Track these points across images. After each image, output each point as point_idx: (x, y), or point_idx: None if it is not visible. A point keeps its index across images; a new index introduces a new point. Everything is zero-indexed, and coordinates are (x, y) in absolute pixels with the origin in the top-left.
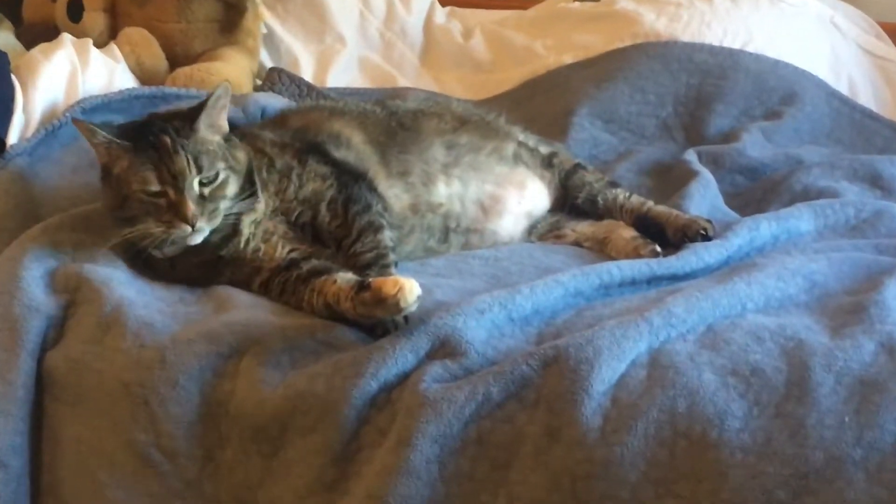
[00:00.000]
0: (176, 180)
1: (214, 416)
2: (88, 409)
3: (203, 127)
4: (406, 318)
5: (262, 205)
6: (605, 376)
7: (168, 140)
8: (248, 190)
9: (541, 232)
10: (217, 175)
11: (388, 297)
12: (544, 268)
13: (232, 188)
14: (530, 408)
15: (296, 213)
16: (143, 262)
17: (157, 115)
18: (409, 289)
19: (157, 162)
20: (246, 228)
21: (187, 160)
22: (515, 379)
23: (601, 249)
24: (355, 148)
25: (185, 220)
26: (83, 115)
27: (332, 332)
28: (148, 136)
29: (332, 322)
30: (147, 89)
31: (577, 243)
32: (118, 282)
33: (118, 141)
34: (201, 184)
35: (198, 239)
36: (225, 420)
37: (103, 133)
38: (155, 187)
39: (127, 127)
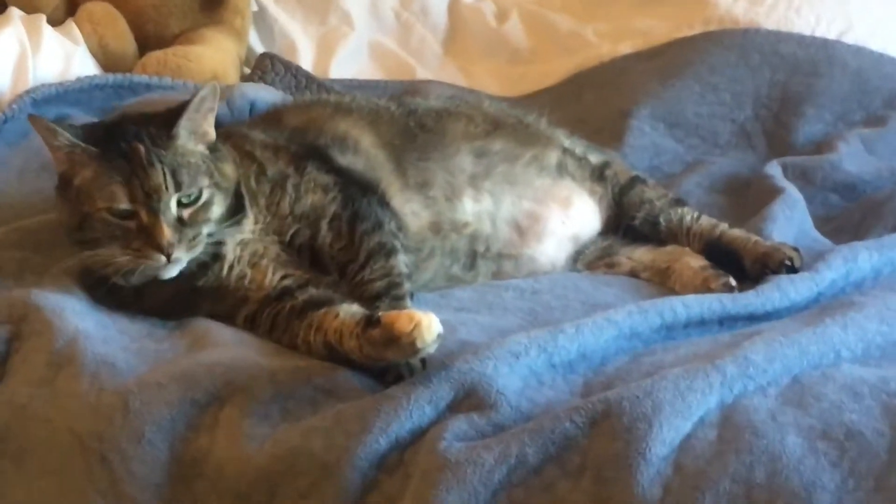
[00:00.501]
0: (150, 199)
1: (187, 478)
2: (35, 467)
3: (184, 134)
4: (423, 361)
5: (249, 221)
6: (666, 437)
7: (142, 149)
8: (237, 213)
9: (589, 259)
10: (200, 194)
11: (402, 335)
12: (593, 303)
13: (217, 210)
14: (574, 475)
15: (291, 232)
16: (105, 290)
17: (129, 115)
18: (428, 325)
19: (129, 175)
20: (230, 251)
21: (164, 175)
22: (556, 438)
23: (663, 282)
24: (364, 153)
25: (159, 249)
26: (33, 108)
27: (332, 378)
28: (118, 142)
29: (332, 365)
30: (111, 77)
31: (634, 274)
32: (73, 311)
33: (84, 145)
34: (180, 204)
35: (173, 272)
36: (200, 483)
37: (66, 135)
38: (124, 206)
39: (93, 129)
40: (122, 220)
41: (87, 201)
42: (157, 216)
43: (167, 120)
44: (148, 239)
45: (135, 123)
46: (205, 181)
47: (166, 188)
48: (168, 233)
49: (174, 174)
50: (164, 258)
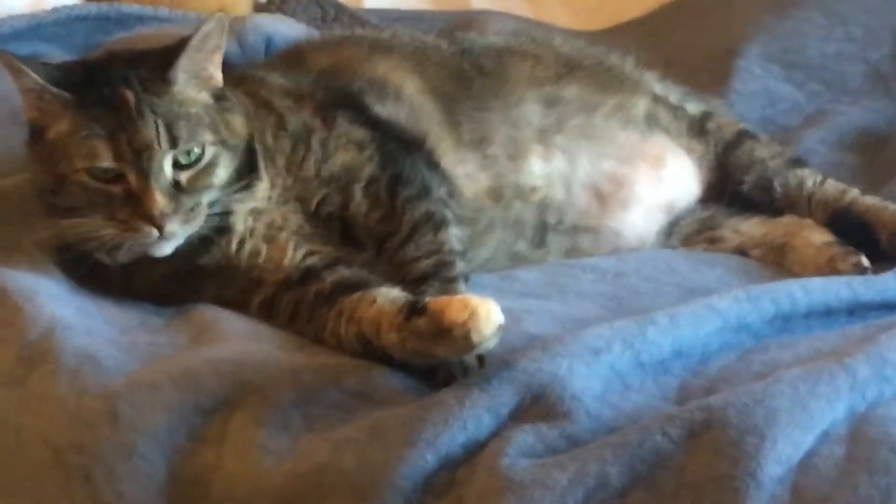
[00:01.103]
0: (139, 158)
1: (189, 500)
2: (1, 485)
3: (183, 78)
4: (481, 358)
5: (264, 186)
6: (782, 454)
7: (130, 96)
8: (248, 175)
9: (686, 233)
10: (201, 152)
11: (455, 325)
12: (690, 287)
13: (222, 172)
14: (668, 499)
15: (317, 199)
16: (87, 269)
17: (116, 53)
18: (486, 314)
19: (114, 128)
20: (240, 222)
21: (157, 128)
22: (645, 455)
23: (778, 261)
24: (408, 101)
25: (151, 220)
26: None
27: (368, 378)
28: (101, 86)
29: (368, 363)
30: (94, 6)
31: (742, 251)
32: (48, 295)
33: (56, 90)
34: (177, 165)
35: (167, 249)
36: None
37: (36, 76)
38: (107, 165)
39: (71, 70)
40: (106, 184)
41: (62, 160)
42: (148, 179)
43: (162, 60)
44: (136, 207)
45: (122, 64)
46: (208, 136)
47: (159, 144)
48: (161, 200)
49: (170, 127)
50: (155, 231)
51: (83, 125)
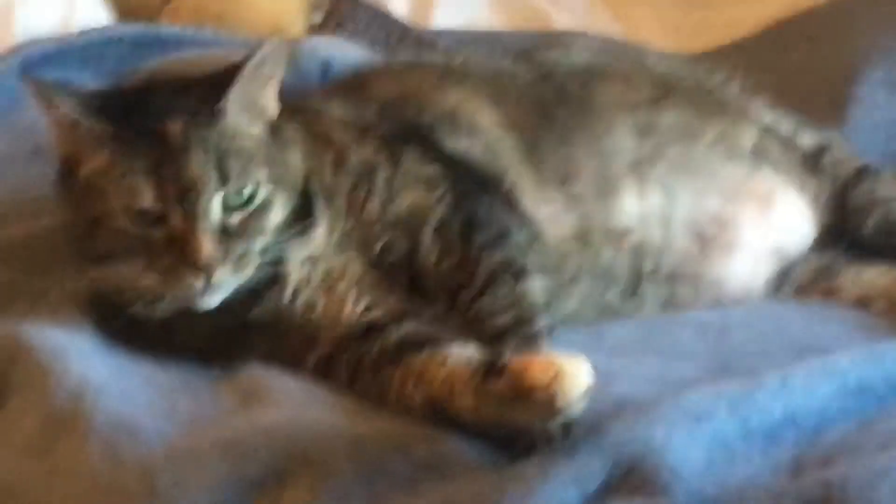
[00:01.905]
0: (185, 198)
1: None
2: None
3: (234, 109)
4: (566, 425)
5: (322, 231)
6: None
7: (176, 128)
8: (305, 218)
9: (799, 283)
10: (254, 193)
11: (537, 388)
12: (804, 345)
13: (277, 215)
14: None
15: (381, 244)
16: (122, 323)
17: (158, 80)
18: (573, 375)
19: (157, 164)
20: (294, 271)
21: (206, 164)
22: None
23: None
24: (484, 135)
25: (196, 268)
26: (23, 73)
27: (439, 448)
28: (143, 117)
29: (438, 430)
30: (129, 27)
31: (863, 303)
32: (79, 354)
33: (92, 121)
34: (227, 207)
35: (214, 300)
36: None
37: (72, 102)
38: (149, 205)
39: (108, 98)
40: (146, 228)
41: (98, 199)
42: (194, 222)
43: (212, 88)
44: (181, 253)
45: (166, 92)
46: (262, 175)
47: (208, 182)
48: (208, 245)
49: (220, 164)
50: (201, 281)
51: (122, 161)
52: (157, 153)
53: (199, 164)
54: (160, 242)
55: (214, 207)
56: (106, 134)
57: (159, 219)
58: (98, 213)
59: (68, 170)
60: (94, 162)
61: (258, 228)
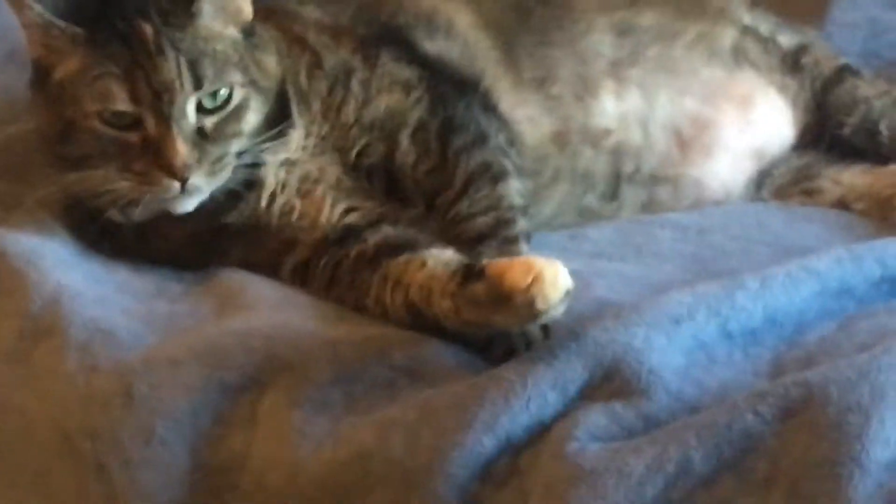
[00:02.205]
0: (159, 100)
1: (215, 491)
2: (5, 474)
3: (208, 10)
4: (545, 328)
5: (299, 134)
6: (890, 436)
7: (149, 29)
8: (281, 122)
9: (779, 184)
10: (229, 95)
11: (517, 291)
12: (784, 246)
13: (253, 118)
14: (759, 487)
15: (357, 148)
16: (98, 229)
17: None
18: (552, 278)
19: (130, 66)
20: (271, 175)
21: (179, 66)
22: (734, 437)
23: (885, 215)
24: (461, 36)
25: (171, 172)
26: None
27: (417, 352)
28: (116, 19)
29: (417, 335)
30: None
31: (843, 204)
32: (55, 260)
33: (64, 24)
34: (202, 109)
35: (189, 205)
36: (233, 498)
37: (40, 7)
38: (123, 107)
39: (79, 1)
40: (121, 131)
41: (71, 103)
42: (169, 124)
43: None
44: (155, 157)
45: None
46: (237, 77)
47: (182, 85)
48: (184, 148)
49: (193, 66)
50: (176, 184)
51: (95, 63)
52: (129, 55)
53: (172, 67)
54: (135, 146)
55: (189, 111)
56: (78, 37)
57: (134, 122)
58: (72, 117)
59: (42, 74)
60: (67, 65)
61: (234, 132)
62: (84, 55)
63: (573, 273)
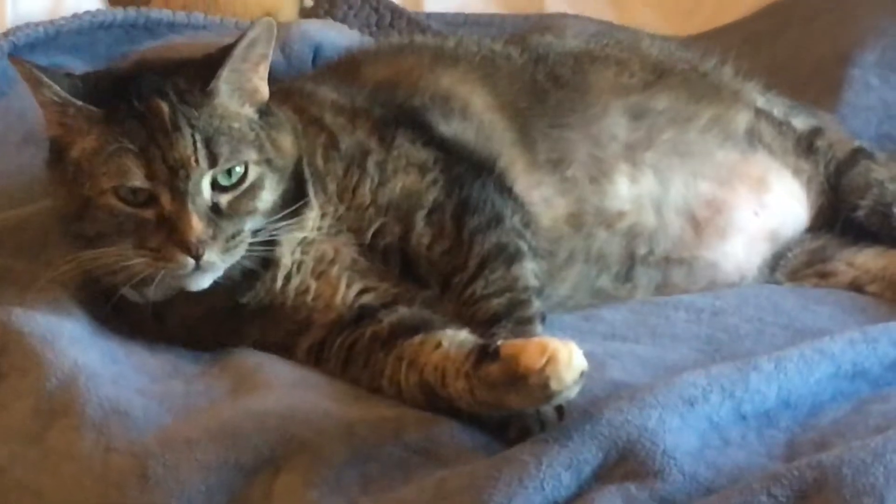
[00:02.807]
0: (175, 176)
1: None
2: None
3: (225, 90)
4: (560, 409)
5: (314, 214)
6: None
7: (165, 107)
8: (297, 201)
9: (793, 266)
10: (244, 173)
11: (531, 372)
12: (798, 329)
13: (268, 197)
14: None
15: (373, 229)
16: (114, 307)
17: (148, 62)
18: (567, 359)
19: (146, 143)
20: (286, 255)
21: (195, 144)
22: None
23: None
24: (476, 118)
25: (186, 248)
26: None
27: (432, 433)
28: (132, 98)
29: (432, 415)
30: (120, 12)
31: (857, 286)
32: (71, 339)
33: (81, 103)
34: (217, 187)
35: (204, 282)
36: None
37: (58, 87)
38: (139, 183)
39: (97, 80)
40: (136, 208)
41: (88, 180)
42: (184, 201)
43: (202, 69)
44: (171, 233)
45: (156, 74)
46: (252, 155)
47: (197, 162)
48: (199, 225)
49: (209, 143)
50: (191, 261)
51: (111, 140)
52: (146, 133)
53: (188, 144)
54: (150, 222)
55: (204, 187)
56: (94, 115)
57: (149, 199)
58: (88, 194)
59: (59, 152)
60: (84, 143)
61: (249, 209)
62: (100, 133)
63: (588, 354)
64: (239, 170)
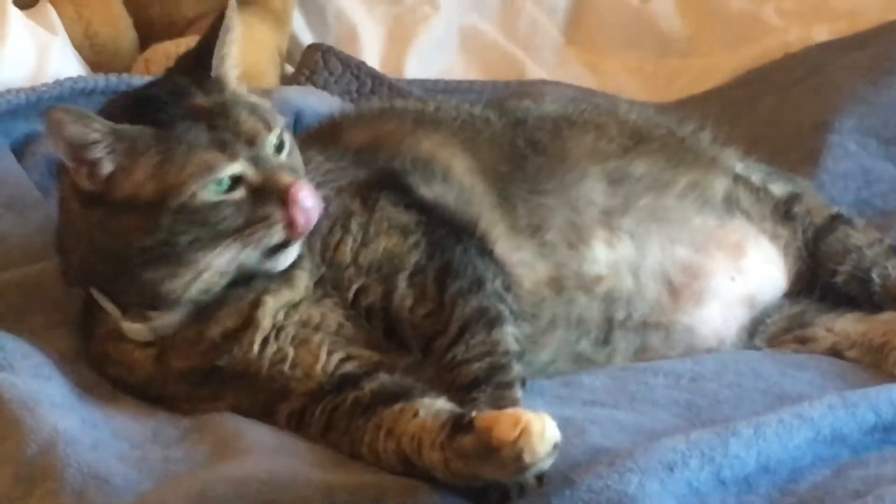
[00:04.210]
0: (253, 146)
1: None
2: None
3: (225, 69)
4: (540, 476)
5: (303, 282)
6: None
7: (203, 100)
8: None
9: (772, 332)
10: (282, 135)
11: (504, 445)
12: (778, 394)
13: (300, 162)
14: None
15: (354, 288)
16: (95, 361)
17: (134, 91)
18: (541, 431)
19: (210, 133)
20: (267, 317)
21: (250, 114)
22: None
23: (878, 363)
24: (457, 182)
25: (285, 198)
26: None
27: (412, 499)
28: (160, 113)
29: (412, 481)
30: (102, 78)
31: (836, 352)
32: (51, 404)
33: (131, 127)
34: (277, 148)
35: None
36: None
37: (105, 121)
38: (225, 169)
39: (116, 108)
40: (226, 195)
41: (170, 191)
42: (267, 165)
43: (194, 62)
44: (268, 197)
45: (163, 87)
46: (278, 119)
47: (262, 127)
48: (288, 177)
49: (254, 112)
50: (294, 210)
51: (175, 145)
52: (204, 124)
53: (247, 117)
54: (243, 202)
55: (271, 150)
56: (146, 134)
57: (233, 182)
58: (175, 203)
59: (99, 196)
60: (144, 165)
61: (297, 168)
62: (159, 148)
63: (568, 420)
64: (278, 131)
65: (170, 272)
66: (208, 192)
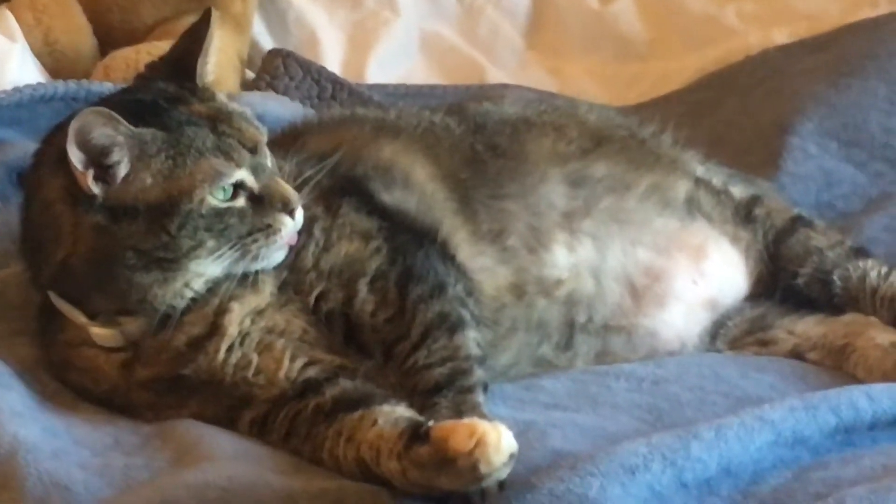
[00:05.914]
0: (255, 155)
1: None
2: None
3: (206, 77)
4: (502, 482)
5: (268, 287)
6: None
7: (200, 108)
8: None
9: (734, 335)
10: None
11: (459, 455)
12: (739, 397)
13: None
14: None
15: (315, 293)
16: (56, 368)
17: (115, 97)
18: (496, 442)
19: (215, 140)
20: (234, 324)
21: (248, 122)
22: None
23: (839, 365)
24: (418, 188)
25: (290, 210)
26: None
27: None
28: (162, 116)
29: (373, 487)
30: (62, 86)
31: (797, 354)
32: (11, 413)
33: (139, 130)
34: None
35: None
36: None
37: (125, 123)
38: (230, 176)
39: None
40: (230, 202)
41: (179, 196)
42: (266, 172)
43: (178, 69)
44: (269, 206)
45: (149, 94)
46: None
47: (261, 134)
48: (287, 186)
49: (247, 120)
50: (290, 221)
51: (185, 150)
52: (208, 129)
53: (248, 124)
54: (245, 208)
55: (268, 156)
56: (158, 138)
57: (235, 188)
58: (186, 208)
59: (96, 204)
60: (153, 170)
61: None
62: (168, 152)
63: (529, 424)
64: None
65: (161, 277)
66: (215, 199)
